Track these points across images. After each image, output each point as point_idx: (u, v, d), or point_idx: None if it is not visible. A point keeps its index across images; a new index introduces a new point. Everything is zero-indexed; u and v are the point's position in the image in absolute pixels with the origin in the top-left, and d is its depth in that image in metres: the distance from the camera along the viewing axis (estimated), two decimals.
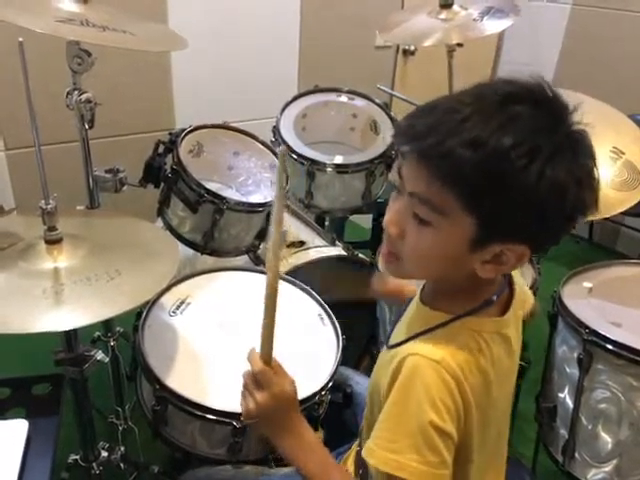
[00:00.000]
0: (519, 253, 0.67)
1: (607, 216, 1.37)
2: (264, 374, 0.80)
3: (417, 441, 0.67)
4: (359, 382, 1.23)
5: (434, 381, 0.67)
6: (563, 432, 1.30)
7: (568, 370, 1.28)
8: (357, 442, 0.95)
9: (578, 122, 0.66)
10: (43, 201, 1.00)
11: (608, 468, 1.23)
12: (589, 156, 0.66)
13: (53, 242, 1.01)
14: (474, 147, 0.61)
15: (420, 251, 0.70)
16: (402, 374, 0.70)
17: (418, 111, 0.68)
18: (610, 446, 1.21)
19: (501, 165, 0.61)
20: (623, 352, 1.16)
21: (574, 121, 0.65)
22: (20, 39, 0.91)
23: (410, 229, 0.70)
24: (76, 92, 1.22)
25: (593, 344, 1.19)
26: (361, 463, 0.89)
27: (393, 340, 0.81)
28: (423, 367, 0.68)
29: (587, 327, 1.21)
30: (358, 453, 0.92)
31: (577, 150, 0.64)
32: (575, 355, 1.24)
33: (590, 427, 1.24)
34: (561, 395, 1.32)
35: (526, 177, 0.61)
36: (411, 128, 0.67)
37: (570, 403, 1.27)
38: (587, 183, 0.65)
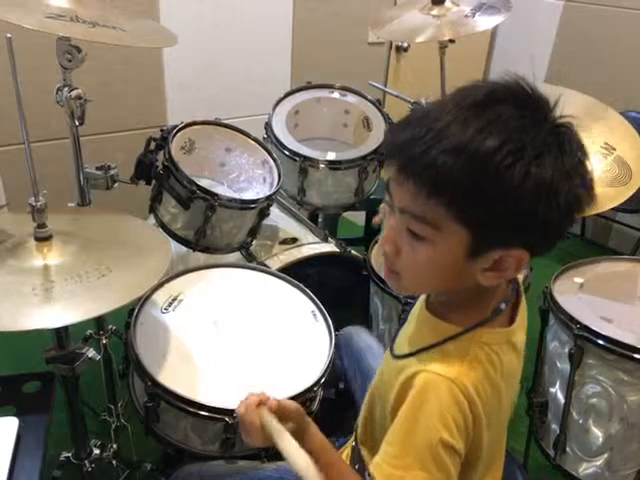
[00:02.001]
0: (518, 257, 0.66)
1: (598, 212, 1.38)
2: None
3: (425, 458, 0.66)
4: (371, 345, 1.24)
5: (447, 399, 0.66)
6: (554, 427, 1.31)
7: (559, 365, 1.29)
8: (352, 438, 0.95)
9: (562, 116, 0.64)
10: (32, 198, 0.99)
11: (599, 462, 1.23)
12: (577, 148, 0.64)
13: (43, 239, 1.00)
14: (456, 154, 0.60)
15: (417, 266, 0.69)
16: (414, 390, 0.69)
17: (400, 124, 0.67)
18: (601, 440, 1.22)
19: (484, 169, 0.60)
20: (614, 347, 1.16)
21: (557, 116, 0.64)
22: (8, 35, 0.90)
23: (405, 245, 0.69)
24: (66, 88, 1.21)
25: (584, 339, 1.20)
26: (357, 459, 0.89)
27: (399, 349, 0.80)
28: (437, 384, 0.68)
29: (578, 322, 1.21)
30: (353, 449, 0.92)
31: (563, 144, 0.62)
32: (566, 350, 1.24)
33: (581, 421, 1.25)
34: (552, 390, 1.33)
35: (511, 178, 0.59)
36: (393, 142, 0.66)
37: (561, 398, 1.28)
38: (578, 177, 0.63)
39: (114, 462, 1.35)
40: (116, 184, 1.38)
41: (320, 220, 2.07)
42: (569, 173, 0.62)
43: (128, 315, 1.21)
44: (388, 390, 0.75)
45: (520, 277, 0.87)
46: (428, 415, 0.66)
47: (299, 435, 0.78)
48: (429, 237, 0.66)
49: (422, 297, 0.83)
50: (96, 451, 1.31)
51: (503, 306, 0.74)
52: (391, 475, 0.67)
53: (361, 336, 1.29)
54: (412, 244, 0.67)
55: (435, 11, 1.73)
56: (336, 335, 1.22)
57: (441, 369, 0.68)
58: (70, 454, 1.28)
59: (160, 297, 1.27)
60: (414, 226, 0.66)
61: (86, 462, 1.28)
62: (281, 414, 0.78)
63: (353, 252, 1.66)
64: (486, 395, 0.69)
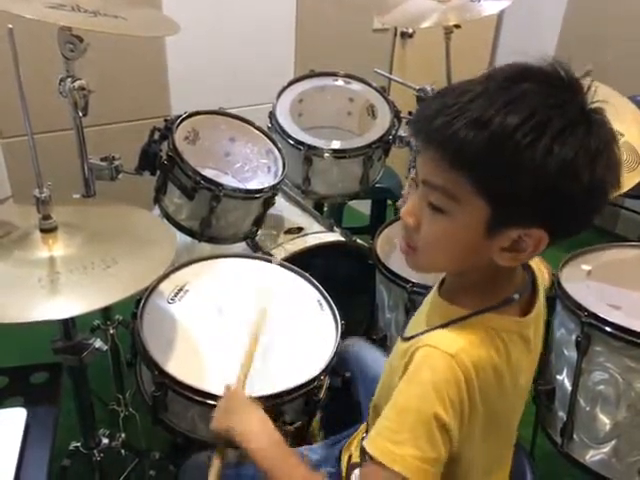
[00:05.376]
0: (537, 238, 0.65)
1: None
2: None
3: (419, 435, 0.65)
4: (374, 357, 1.22)
5: (444, 374, 0.66)
6: (561, 414, 1.31)
7: (566, 352, 1.28)
8: (364, 426, 0.95)
9: (594, 102, 0.63)
10: (37, 190, 0.99)
11: (606, 449, 1.23)
12: (606, 132, 0.63)
13: (48, 231, 1.01)
14: (479, 127, 0.60)
15: (436, 240, 0.69)
16: (414, 363, 0.69)
17: (430, 98, 0.69)
18: (608, 427, 1.22)
19: (507, 144, 0.59)
20: (621, 334, 1.15)
21: (589, 100, 0.63)
22: (10, 26, 0.90)
23: (425, 219, 0.69)
24: (69, 79, 1.21)
25: (591, 326, 1.19)
26: None
27: (408, 332, 0.80)
28: (435, 358, 0.67)
29: (585, 310, 1.21)
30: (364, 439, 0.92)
31: (591, 125, 0.61)
32: (573, 338, 1.24)
33: (588, 409, 1.24)
34: (559, 377, 1.32)
35: (533, 155, 0.59)
36: (421, 114, 0.67)
37: (568, 385, 1.28)
38: (603, 160, 0.62)
39: (123, 451, 1.37)
40: (120, 175, 1.38)
41: (325, 209, 2.07)
42: (594, 155, 0.61)
43: (135, 305, 1.22)
44: (395, 374, 0.75)
45: (546, 277, 0.85)
46: (424, 388, 0.66)
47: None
48: (449, 210, 0.66)
49: (436, 283, 0.83)
50: (105, 440, 1.32)
51: (516, 296, 0.72)
52: (383, 448, 0.67)
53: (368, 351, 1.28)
54: (432, 217, 0.67)
55: None
56: (342, 324, 1.22)
57: (442, 344, 0.68)
58: (79, 444, 1.29)
59: (166, 288, 1.27)
60: (435, 198, 0.66)
61: (95, 451, 1.29)
62: None
63: (359, 241, 1.66)
64: (486, 377, 0.68)
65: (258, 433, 0.83)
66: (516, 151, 0.59)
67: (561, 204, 0.62)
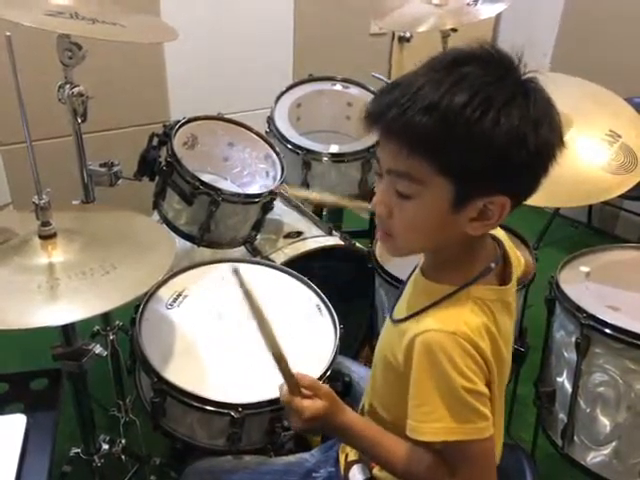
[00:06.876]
0: (501, 204, 0.70)
1: (605, 200, 1.37)
2: (290, 406, 0.81)
3: (454, 406, 0.70)
4: (355, 371, 1.24)
5: (455, 351, 0.70)
6: (562, 416, 1.31)
7: (566, 354, 1.29)
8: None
9: (526, 72, 0.69)
10: (36, 196, 0.99)
11: (607, 451, 1.23)
12: (543, 99, 0.69)
13: (47, 237, 1.01)
14: (430, 111, 0.65)
15: (409, 224, 0.73)
16: (420, 353, 0.72)
17: (379, 93, 0.73)
18: (609, 429, 1.22)
19: (457, 122, 0.64)
20: (621, 336, 1.15)
21: (522, 72, 0.69)
22: (7, 33, 0.90)
23: (396, 205, 0.73)
24: (68, 86, 1.21)
25: (591, 328, 1.19)
26: None
27: (398, 314, 0.83)
28: (440, 341, 0.71)
29: (584, 311, 1.21)
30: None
31: (529, 95, 0.67)
32: (573, 339, 1.24)
33: (589, 411, 1.24)
34: (559, 379, 1.32)
35: (482, 128, 0.64)
36: (374, 108, 0.71)
37: (569, 387, 1.28)
38: (546, 124, 0.68)
39: (123, 457, 1.37)
40: (120, 181, 1.38)
41: (324, 213, 2.07)
42: (537, 121, 0.67)
43: (134, 311, 1.22)
44: (395, 354, 0.78)
45: (522, 260, 0.88)
46: (442, 371, 0.70)
47: (332, 418, 0.81)
48: (415, 194, 0.70)
49: (418, 266, 0.86)
50: (105, 446, 1.32)
51: (493, 265, 0.78)
52: (431, 429, 0.72)
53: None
54: (401, 203, 0.72)
55: (437, 0, 1.72)
56: (341, 328, 1.22)
57: (440, 325, 0.72)
58: (79, 449, 1.29)
59: (165, 293, 1.27)
60: (400, 185, 0.71)
61: (95, 457, 1.29)
62: (312, 391, 0.82)
63: (358, 245, 1.66)
64: (485, 343, 0.73)
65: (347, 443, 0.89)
66: (467, 127, 0.64)
67: (514, 169, 0.68)
